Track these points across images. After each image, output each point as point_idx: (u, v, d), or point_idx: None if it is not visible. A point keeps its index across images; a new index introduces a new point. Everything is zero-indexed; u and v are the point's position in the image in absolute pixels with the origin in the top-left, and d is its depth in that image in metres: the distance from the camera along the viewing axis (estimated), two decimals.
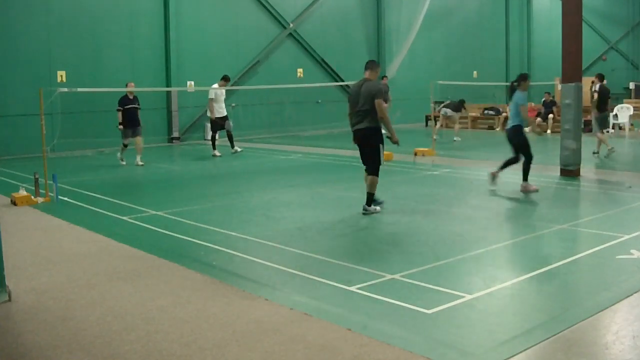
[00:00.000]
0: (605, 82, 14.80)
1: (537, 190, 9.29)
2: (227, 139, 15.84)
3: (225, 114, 15.45)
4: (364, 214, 8.06)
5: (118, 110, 13.47)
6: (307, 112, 22.50)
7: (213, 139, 15.50)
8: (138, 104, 13.74)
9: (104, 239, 7.14)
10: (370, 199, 8.11)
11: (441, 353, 3.93)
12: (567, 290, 5.17)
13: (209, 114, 15.54)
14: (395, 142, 8.15)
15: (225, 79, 15.63)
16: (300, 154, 15.89)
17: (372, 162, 8.08)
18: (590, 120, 18.07)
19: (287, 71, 21.76)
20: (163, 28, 18.73)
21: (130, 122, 13.53)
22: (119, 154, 13.94)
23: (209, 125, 16.65)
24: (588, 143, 11.83)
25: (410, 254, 6.25)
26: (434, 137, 16.19)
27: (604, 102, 14.26)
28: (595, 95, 14.38)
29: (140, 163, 13.59)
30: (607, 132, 14.26)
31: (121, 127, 13.48)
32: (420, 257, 6.08)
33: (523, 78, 9.65)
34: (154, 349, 4.05)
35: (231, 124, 15.95)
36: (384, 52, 24.65)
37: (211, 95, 15.30)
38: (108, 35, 17.68)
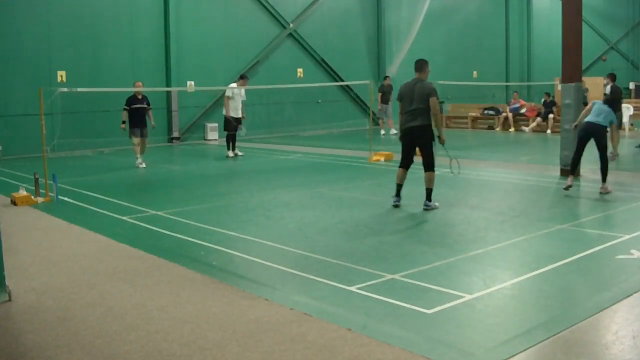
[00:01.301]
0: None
1: (611, 192, 9.23)
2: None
3: (239, 115, 15.12)
4: (425, 209, 8.27)
5: (124, 109, 13.15)
6: (307, 112, 22.49)
7: (228, 139, 15.26)
8: (147, 104, 13.48)
9: (104, 239, 7.14)
10: (430, 195, 8.34)
11: (441, 353, 3.93)
12: (567, 290, 5.17)
13: (224, 112, 15.26)
14: (443, 142, 8.46)
15: (242, 78, 15.55)
16: (300, 154, 15.88)
17: (427, 158, 8.34)
18: None
19: (287, 71, 21.74)
20: (163, 28, 18.72)
21: (139, 122, 13.24)
22: (138, 160, 13.38)
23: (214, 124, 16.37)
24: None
25: (410, 254, 6.26)
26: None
27: (618, 101, 14.24)
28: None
29: (142, 165, 13.45)
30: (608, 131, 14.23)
31: (123, 125, 13.17)
32: (420, 257, 6.09)
33: None
34: (154, 349, 4.05)
35: (244, 130, 15.76)
36: (384, 52, 24.63)
37: (228, 93, 15.14)
38: (108, 35, 17.67)
